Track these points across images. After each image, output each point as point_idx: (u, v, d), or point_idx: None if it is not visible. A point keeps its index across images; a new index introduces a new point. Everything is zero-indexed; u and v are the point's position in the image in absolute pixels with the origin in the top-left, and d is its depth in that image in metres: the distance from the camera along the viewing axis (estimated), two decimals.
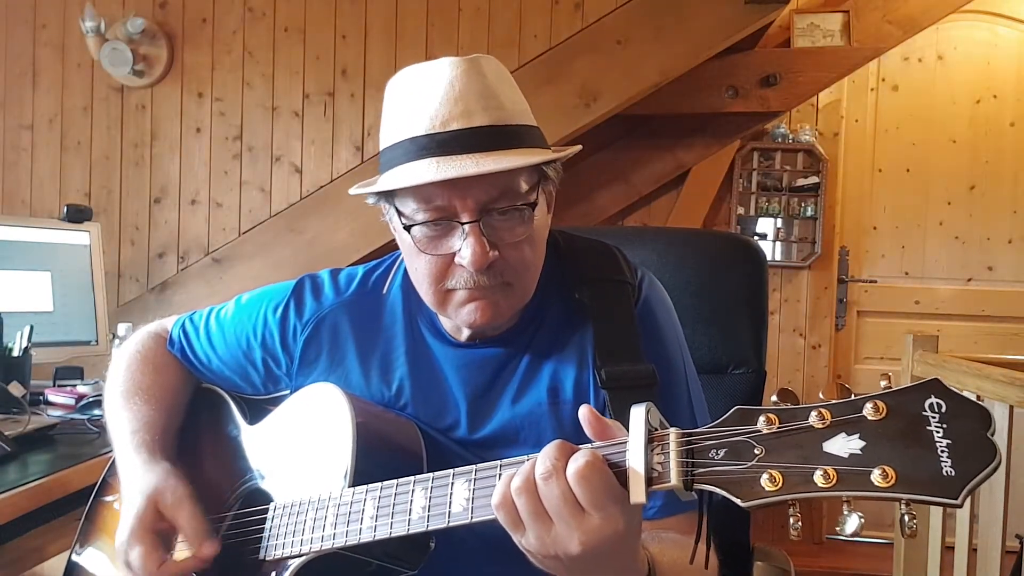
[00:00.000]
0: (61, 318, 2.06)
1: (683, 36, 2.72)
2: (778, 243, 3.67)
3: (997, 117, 3.71)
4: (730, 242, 1.56)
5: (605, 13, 2.73)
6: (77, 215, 2.17)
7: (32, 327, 1.83)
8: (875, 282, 3.81)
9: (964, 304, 3.76)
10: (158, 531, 0.97)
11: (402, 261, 1.10)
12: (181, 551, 0.99)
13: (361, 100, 2.88)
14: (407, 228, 0.93)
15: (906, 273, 3.82)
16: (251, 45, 2.93)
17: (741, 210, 3.66)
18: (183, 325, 1.20)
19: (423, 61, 0.95)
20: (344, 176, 2.87)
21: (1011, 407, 1.97)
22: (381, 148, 0.97)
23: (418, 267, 0.96)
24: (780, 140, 3.63)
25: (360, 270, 1.14)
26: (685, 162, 3.55)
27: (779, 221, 3.65)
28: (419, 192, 0.91)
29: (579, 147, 1.00)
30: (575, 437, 0.81)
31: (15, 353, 1.79)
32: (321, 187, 2.90)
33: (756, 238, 3.61)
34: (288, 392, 1.12)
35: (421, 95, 0.92)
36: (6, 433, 1.49)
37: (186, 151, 2.98)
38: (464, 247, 0.91)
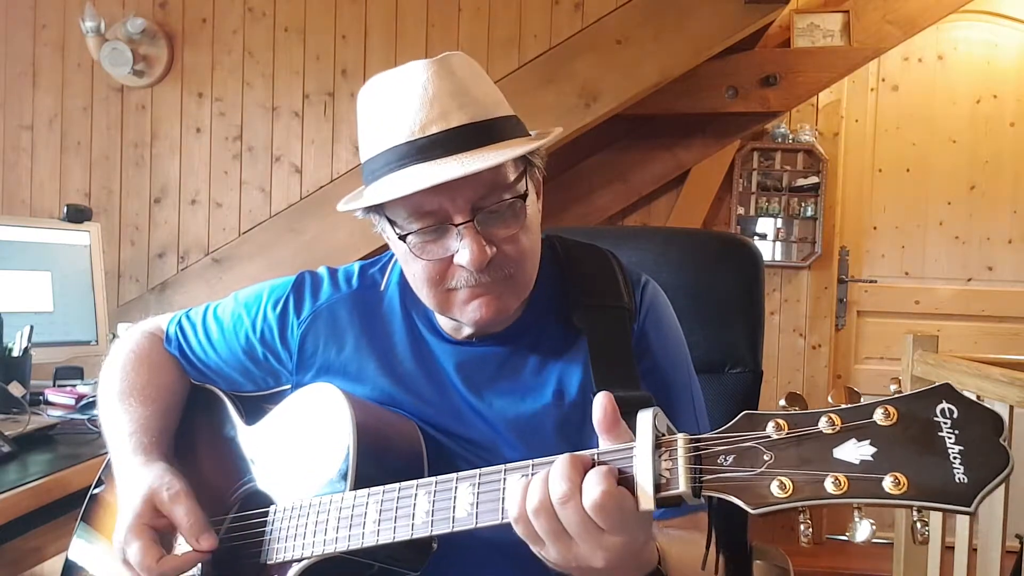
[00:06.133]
0: (61, 318, 2.06)
1: (683, 36, 2.72)
2: (778, 243, 3.66)
3: (997, 117, 3.71)
4: (725, 241, 1.56)
5: (605, 13, 2.73)
6: (77, 215, 2.17)
7: (32, 327, 1.83)
8: (875, 282, 3.81)
9: (964, 304, 3.75)
10: (156, 528, 0.97)
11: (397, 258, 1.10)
12: (180, 547, 0.99)
13: None
14: (402, 238, 0.93)
15: (906, 273, 3.82)
16: (251, 45, 2.93)
17: (741, 210, 3.66)
18: (179, 322, 1.18)
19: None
20: (344, 176, 2.87)
21: (1011, 407, 1.97)
22: (363, 160, 0.96)
23: (416, 273, 0.96)
24: (780, 140, 3.63)
25: (356, 267, 1.13)
26: (685, 162, 3.55)
27: (779, 221, 3.65)
28: (409, 201, 0.90)
29: (560, 129, 0.99)
30: (577, 439, 0.80)
31: (15, 353, 1.79)
32: (321, 187, 2.90)
33: (756, 238, 3.61)
34: (289, 388, 1.11)
35: (396, 102, 0.92)
36: (6, 433, 1.49)
37: (186, 151, 2.98)
38: (462, 248, 0.91)
